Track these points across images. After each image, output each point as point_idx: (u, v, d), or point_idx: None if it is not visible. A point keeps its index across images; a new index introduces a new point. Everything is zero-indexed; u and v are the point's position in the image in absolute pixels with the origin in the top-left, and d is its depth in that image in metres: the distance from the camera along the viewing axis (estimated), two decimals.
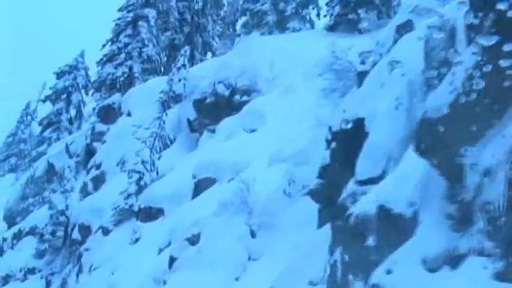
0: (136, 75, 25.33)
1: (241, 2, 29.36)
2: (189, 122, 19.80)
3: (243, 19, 27.10)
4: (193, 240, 11.60)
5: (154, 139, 15.64)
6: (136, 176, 14.90)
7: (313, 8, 24.25)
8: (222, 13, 33.85)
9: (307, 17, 24.62)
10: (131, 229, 14.33)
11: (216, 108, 18.46)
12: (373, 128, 6.82)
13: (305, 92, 14.37)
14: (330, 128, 8.07)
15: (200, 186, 14.10)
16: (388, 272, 5.36)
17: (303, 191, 10.73)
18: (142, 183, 14.95)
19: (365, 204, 6.06)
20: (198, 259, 11.07)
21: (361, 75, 8.28)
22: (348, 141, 7.37)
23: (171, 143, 18.37)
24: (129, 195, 14.80)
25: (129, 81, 25.23)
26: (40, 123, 33.26)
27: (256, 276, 9.75)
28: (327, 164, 8.24)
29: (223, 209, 11.40)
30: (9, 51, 50.46)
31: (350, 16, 20.02)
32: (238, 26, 29.84)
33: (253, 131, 15.18)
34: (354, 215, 6.13)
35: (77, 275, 15.01)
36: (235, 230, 10.84)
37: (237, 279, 10.11)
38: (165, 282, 11.32)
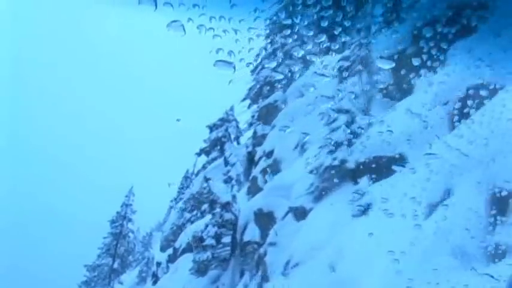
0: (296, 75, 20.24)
1: None
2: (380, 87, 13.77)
3: None
4: None
5: (360, 75, 9.31)
6: (343, 118, 8.45)
7: None
8: None
9: None
10: (348, 197, 7.65)
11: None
12: None
13: None
14: None
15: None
16: None
17: None
18: (354, 127, 8.42)
19: None
20: None
21: None
22: None
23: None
24: (337, 146, 8.24)
25: (288, 83, 20.27)
26: (196, 175, 31.69)
27: None
28: None
29: None
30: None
31: None
32: None
33: None
34: None
35: (260, 286, 8.56)
36: None
37: None
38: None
